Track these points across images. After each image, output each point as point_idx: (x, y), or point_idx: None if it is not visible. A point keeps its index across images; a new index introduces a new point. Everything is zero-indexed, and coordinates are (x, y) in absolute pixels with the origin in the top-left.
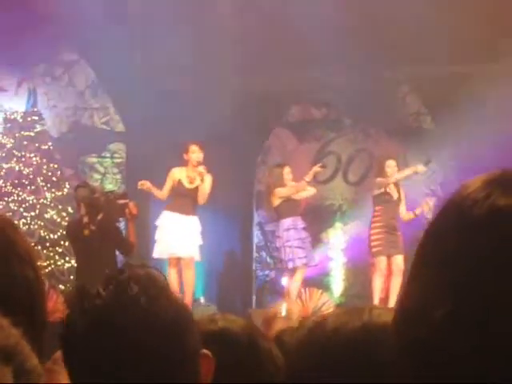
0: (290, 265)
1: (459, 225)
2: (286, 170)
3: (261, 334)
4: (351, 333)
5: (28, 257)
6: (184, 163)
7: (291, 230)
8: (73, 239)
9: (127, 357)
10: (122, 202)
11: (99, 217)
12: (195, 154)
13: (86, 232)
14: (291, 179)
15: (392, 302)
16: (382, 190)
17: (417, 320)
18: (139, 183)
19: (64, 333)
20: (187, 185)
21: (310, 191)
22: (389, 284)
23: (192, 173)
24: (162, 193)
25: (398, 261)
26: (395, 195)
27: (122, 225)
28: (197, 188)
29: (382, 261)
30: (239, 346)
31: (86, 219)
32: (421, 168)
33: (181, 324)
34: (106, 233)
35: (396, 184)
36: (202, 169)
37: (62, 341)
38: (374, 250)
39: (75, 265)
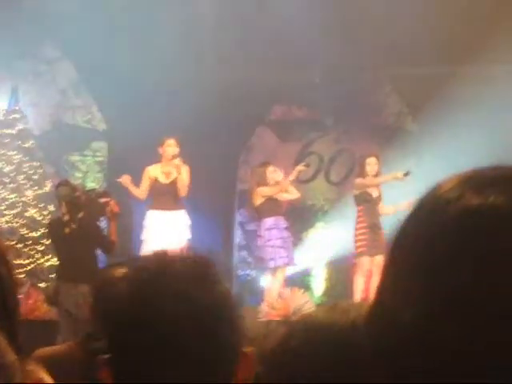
0: (272, 264)
1: (432, 224)
2: (270, 169)
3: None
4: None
5: (0, 254)
6: (158, 160)
7: (273, 229)
8: (54, 238)
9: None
10: (103, 200)
11: (80, 215)
12: (171, 147)
13: (67, 230)
14: (275, 178)
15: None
16: (362, 189)
17: (386, 322)
18: (121, 178)
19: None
20: (164, 180)
21: (294, 195)
22: (369, 284)
23: (166, 167)
24: (140, 191)
25: (379, 260)
26: (375, 194)
27: (103, 223)
28: (174, 182)
29: (365, 261)
30: None
31: (66, 217)
32: (400, 175)
33: (217, 315)
34: (86, 231)
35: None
36: (177, 161)
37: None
38: (359, 250)
39: (56, 263)
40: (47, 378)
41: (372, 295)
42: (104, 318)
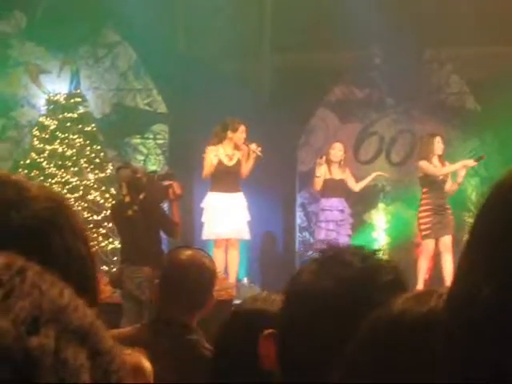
0: (320, 245)
1: (507, 202)
2: (337, 147)
3: None
4: (414, 319)
5: (82, 235)
6: (218, 141)
7: (327, 210)
8: (116, 220)
9: None
10: (166, 183)
11: (141, 196)
12: (243, 133)
13: (130, 212)
14: (340, 156)
15: (444, 281)
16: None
17: (464, 300)
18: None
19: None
20: (227, 163)
21: (357, 187)
22: (433, 264)
23: (231, 150)
24: (205, 171)
25: (447, 241)
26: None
27: (165, 206)
28: (237, 164)
29: (430, 243)
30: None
31: (127, 199)
32: (471, 162)
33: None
34: (149, 213)
35: (441, 161)
36: (255, 146)
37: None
38: (424, 233)
39: (118, 246)
40: (145, 362)
41: (444, 274)
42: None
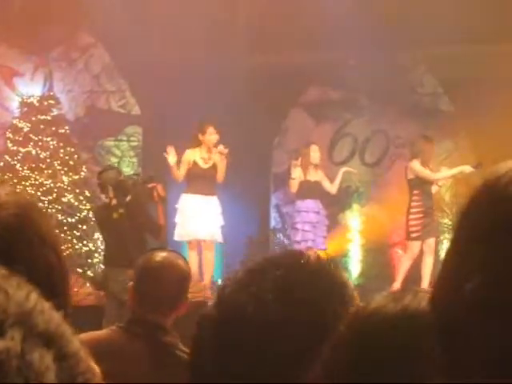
0: (298, 247)
1: (494, 201)
2: (313, 148)
3: None
4: (388, 316)
5: (51, 241)
6: (197, 144)
7: (302, 212)
8: (101, 223)
9: None
10: (150, 185)
11: (127, 199)
12: (212, 135)
13: (115, 215)
14: (318, 158)
15: (424, 281)
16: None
17: (449, 295)
18: (168, 150)
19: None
20: (202, 165)
21: (332, 189)
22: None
23: (206, 153)
24: (179, 173)
25: (432, 243)
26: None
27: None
28: (212, 168)
29: (416, 245)
30: None
31: (114, 202)
32: (468, 169)
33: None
34: (134, 215)
35: (427, 165)
36: (222, 147)
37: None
38: (413, 235)
39: (93, 248)
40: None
41: (424, 274)
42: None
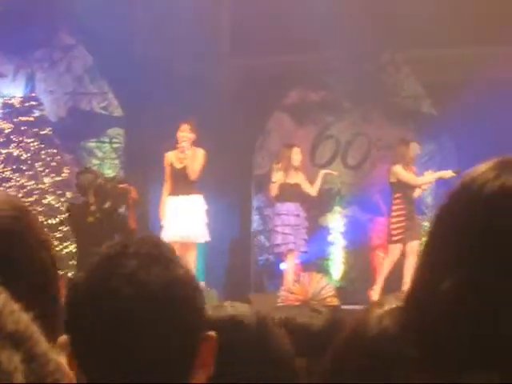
0: (279, 250)
1: (470, 203)
2: (295, 150)
3: (271, 320)
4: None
5: (46, 242)
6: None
7: (283, 215)
8: (75, 224)
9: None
10: (123, 187)
11: (106, 205)
12: (184, 132)
13: (91, 219)
14: (300, 160)
15: (406, 283)
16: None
17: (424, 294)
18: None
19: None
20: (177, 165)
21: (313, 191)
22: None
23: (180, 153)
24: (166, 183)
25: (415, 245)
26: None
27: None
28: (185, 167)
29: (397, 248)
30: (250, 331)
31: (93, 207)
32: (449, 174)
33: (174, 296)
34: (110, 220)
35: (410, 168)
36: (184, 144)
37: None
38: (394, 238)
39: (74, 250)
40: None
41: (405, 275)
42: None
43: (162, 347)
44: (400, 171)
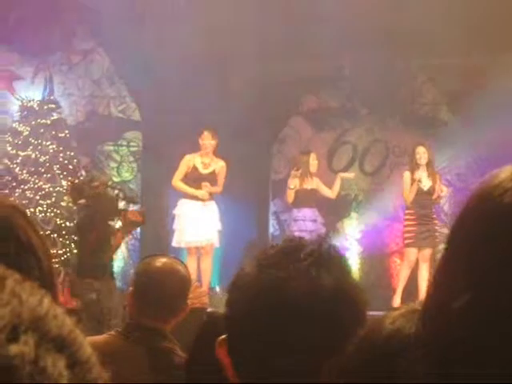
0: None
1: (489, 213)
2: (313, 156)
3: None
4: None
5: (28, 244)
6: (197, 150)
7: (299, 220)
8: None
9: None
10: (116, 190)
11: (81, 201)
12: (206, 141)
13: (76, 219)
14: (316, 166)
15: (421, 294)
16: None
17: (440, 310)
18: (202, 185)
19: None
20: (202, 170)
21: (332, 194)
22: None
23: (206, 158)
24: (176, 178)
25: (425, 252)
26: (427, 186)
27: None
28: (211, 173)
29: (411, 252)
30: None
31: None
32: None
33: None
34: (91, 222)
35: (431, 173)
36: (215, 157)
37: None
38: (406, 241)
39: None
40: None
41: (420, 284)
42: (231, 304)
43: (324, 347)
44: (404, 180)
